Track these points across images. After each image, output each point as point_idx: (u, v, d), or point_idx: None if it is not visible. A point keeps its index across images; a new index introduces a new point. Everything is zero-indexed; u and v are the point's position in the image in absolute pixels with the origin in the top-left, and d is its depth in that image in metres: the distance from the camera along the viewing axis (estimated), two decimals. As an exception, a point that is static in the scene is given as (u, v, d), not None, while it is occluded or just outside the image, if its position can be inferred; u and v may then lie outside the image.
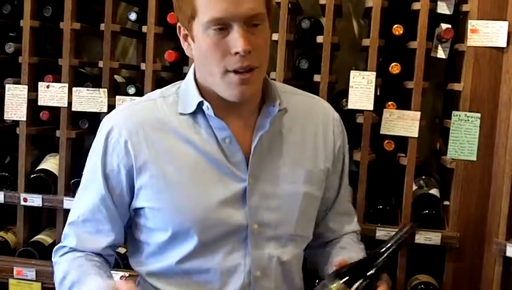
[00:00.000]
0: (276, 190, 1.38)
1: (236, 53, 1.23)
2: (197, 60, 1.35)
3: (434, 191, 2.16)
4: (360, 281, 1.27)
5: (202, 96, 1.35)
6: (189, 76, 1.40)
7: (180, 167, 1.34)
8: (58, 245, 1.47)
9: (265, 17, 1.29)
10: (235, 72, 1.26)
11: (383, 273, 1.33)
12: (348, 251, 1.50)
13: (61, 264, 1.41)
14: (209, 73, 1.30)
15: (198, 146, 1.34)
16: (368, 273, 1.28)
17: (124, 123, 1.36)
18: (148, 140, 1.34)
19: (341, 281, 1.26)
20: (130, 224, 1.45)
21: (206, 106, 1.34)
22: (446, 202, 2.15)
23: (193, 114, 1.36)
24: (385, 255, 1.30)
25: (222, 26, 1.23)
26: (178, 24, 1.36)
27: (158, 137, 1.35)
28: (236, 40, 1.23)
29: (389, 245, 1.32)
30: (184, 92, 1.39)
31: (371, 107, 2.05)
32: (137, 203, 1.38)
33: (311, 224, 1.49)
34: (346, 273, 1.28)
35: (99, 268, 1.36)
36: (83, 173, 1.44)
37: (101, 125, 1.41)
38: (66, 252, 1.43)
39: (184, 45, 1.37)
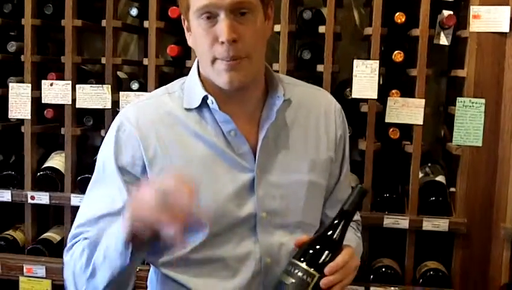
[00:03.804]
0: (282, 179, 1.40)
1: (222, 42, 1.26)
2: (195, 51, 1.37)
3: (440, 178, 2.16)
4: (323, 257, 1.24)
5: (206, 90, 1.36)
6: (193, 71, 1.42)
7: (189, 160, 1.35)
8: (72, 242, 1.39)
9: (256, 6, 1.29)
10: (222, 60, 1.28)
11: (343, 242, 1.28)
12: None
13: (77, 246, 1.34)
14: (203, 61, 1.33)
15: (206, 139, 1.36)
16: (327, 246, 1.25)
17: (134, 117, 1.37)
18: (158, 133, 1.36)
19: (301, 262, 1.24)
20: None
21: (210, 100, 1.35)
22: (452, 189, 2.15)
23: (198, 109, 1.37)
24: (341, 222, 1.27)
25: (209, 14, 1.26)
26: (182, 16, 1.38)
27: (167, 130, 1.36)
28: (221, 29, 1.25)
29: (341, 212, 1.28)
30: (189, 87, 1.40)
31: (375, 96, 2.05)
32: None
33: (318, 212, 1.50)
34: (306, 252, 1.25)
35: None
36: (93, 175, 1.41)
37: (111, 124, 1.42)
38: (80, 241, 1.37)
39: (187, 36, 1.39)
